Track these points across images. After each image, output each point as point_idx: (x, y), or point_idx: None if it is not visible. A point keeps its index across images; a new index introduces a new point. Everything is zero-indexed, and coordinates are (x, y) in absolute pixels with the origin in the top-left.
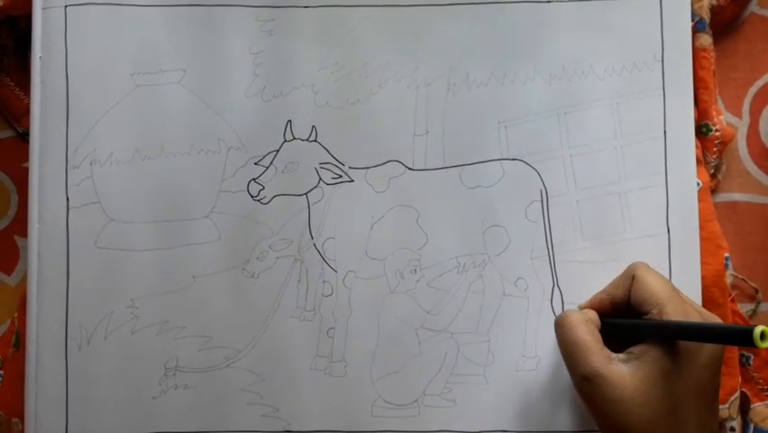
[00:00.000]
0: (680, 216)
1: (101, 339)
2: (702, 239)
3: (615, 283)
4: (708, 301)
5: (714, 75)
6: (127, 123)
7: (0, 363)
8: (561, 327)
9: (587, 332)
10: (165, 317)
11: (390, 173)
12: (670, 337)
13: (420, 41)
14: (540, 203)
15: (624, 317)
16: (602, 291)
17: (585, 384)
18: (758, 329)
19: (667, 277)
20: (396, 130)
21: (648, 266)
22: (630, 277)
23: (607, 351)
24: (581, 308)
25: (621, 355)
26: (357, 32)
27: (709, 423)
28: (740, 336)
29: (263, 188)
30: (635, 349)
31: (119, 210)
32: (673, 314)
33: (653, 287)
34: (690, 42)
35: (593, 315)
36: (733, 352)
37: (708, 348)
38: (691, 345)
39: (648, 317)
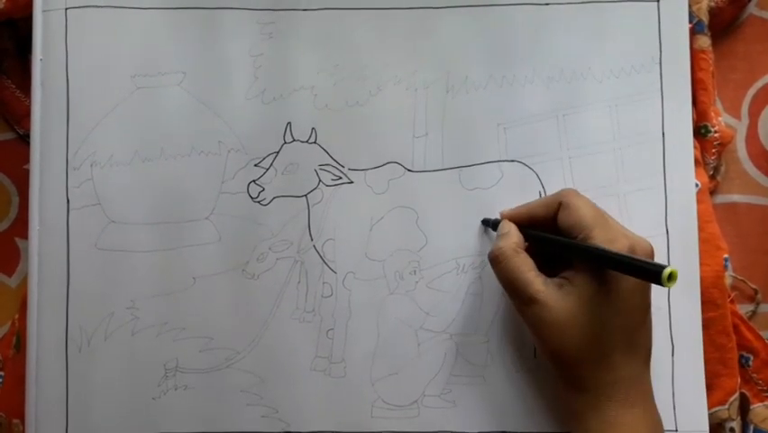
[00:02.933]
0: (678, 218)
1: (101, 341)
2: (701, 240)
3: (540, 203)
4: (707, 302)
5: (713, 76)
6: (127, 125)
7: (1, 364)
8: (496, 262)
9: (522, 262)
10: (165, 318)
11: (390, 175)
12: (590, 262)
13: (419, 44)
14: None
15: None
16: (525, 206)
17: (525, 309)
18: (667, 270)
19: None
20: (395, 132)
21: (577, 192)
22: (557, 202)
23: (542, 277)
24: (503, 216)
25: (555, 280)
26: (356, 34)
27: (640, 343)
28: (650, 274)
29: (263, 189)
30: (567, 273)
31: (119, 212)
32: (599, 238)
33: (580, 212)
34: (687, 44)
35: (518, 237)
36: (732, 353)
37: None
38: None
39: (576, 242)
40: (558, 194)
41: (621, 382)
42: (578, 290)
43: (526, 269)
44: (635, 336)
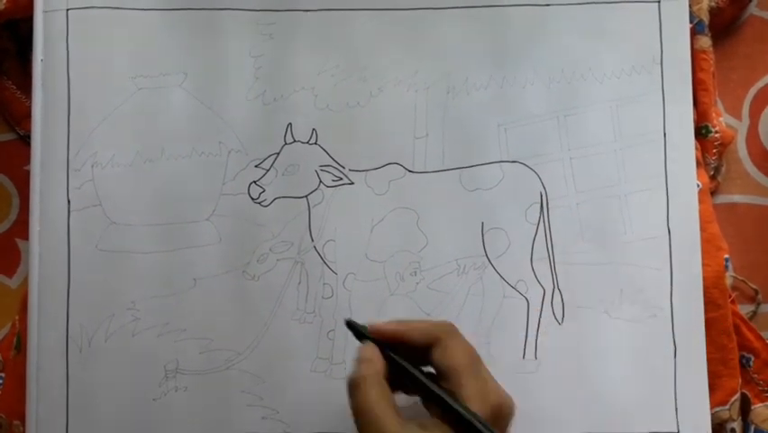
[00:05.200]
0: (680, 218)
1: (102, 341)
2: (702, 240)
3: (418, 329)
4: (707, 303)
5: (713, 77)
6: (128, 126)
7: (1, 365)
8: (355, 388)
9: (381, 397)
10: (166, 319)
11: (390, 176)
12: (448, 418)
13: (420, 45)
14: (540, 205)
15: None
16: (400, 326)
17: None
18: None
19: (668, 279)
20: (396, 133)
21: (456, 331)
22: (435, 336)
23: (399, 419)
24: (371, 331)
25: (414, 428)
26: (357, 35)
27: None
28: None
29: (264, 190)
30: (428, 422)
31: (120, 213)
32: (469, 389)
33: (455, 358)
34: (688, 45)
35: (381, 365)
36: (733, 354)
37: None
38: None
39: (446, 386)
40: (438, 326)
41: None
42: None
43: (384, 406)
44: None
